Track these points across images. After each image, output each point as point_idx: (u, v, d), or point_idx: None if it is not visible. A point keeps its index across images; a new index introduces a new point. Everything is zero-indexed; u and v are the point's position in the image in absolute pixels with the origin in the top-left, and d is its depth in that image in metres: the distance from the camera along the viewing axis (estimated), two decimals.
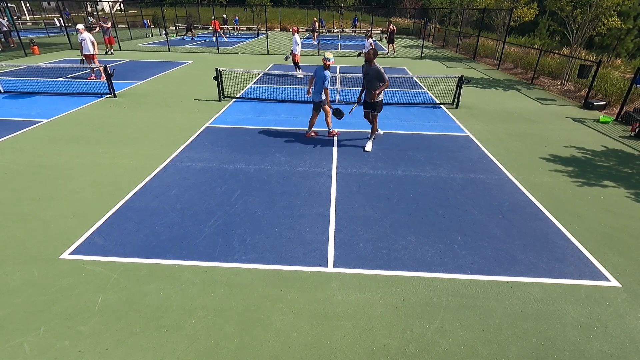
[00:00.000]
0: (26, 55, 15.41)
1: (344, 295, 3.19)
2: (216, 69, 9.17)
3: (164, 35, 23.16)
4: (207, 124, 7.50)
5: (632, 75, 9.55)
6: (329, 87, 6.27)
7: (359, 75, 7.95)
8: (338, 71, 13.34)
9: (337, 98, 9.46)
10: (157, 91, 10.22)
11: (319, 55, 18.04)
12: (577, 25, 11.46)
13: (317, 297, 3.17)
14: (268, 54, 18.09)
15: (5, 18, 19.63)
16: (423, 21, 27.92)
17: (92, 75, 11.48)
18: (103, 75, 10.17)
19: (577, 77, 10.81)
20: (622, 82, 10.25)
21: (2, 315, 2.89)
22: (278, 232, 4.01)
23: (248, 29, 33.75)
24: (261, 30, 30.92)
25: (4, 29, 18.09)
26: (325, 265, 3.55)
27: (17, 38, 16.50)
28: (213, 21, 21.45)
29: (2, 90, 9.48)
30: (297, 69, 12.24)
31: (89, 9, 33.55)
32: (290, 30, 13.11)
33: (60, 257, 3.56)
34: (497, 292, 3.27)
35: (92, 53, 10.84)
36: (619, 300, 3.22)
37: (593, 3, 10.60)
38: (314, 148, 6.40)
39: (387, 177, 5.41)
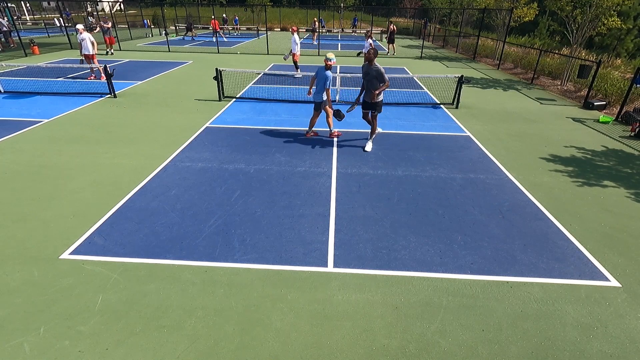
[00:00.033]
0: (26, 55, 15.41)
1: (344, 295, 3.19)
2: (216, 69, 9.17)
3: (164, 35, 23.17)
4: (207, 124, 7.50)
5: (632, 75, 9.55)
6: (330, 87, 6.28)
7: (358, 75, 7.95)
8: (338, 71, 13.34)
9: (337, 98, 9.47)
10: (157, 91, 10.22)
11: (319, 55, 18.04)
12: (577, 25, 11.46)
13: (317, 297, 3.17)
14: (268, 54, 18.10)
15: (5, 18, 19.63)
16: (423, 21, 27.92)
17: (92, 75, 11.49)
18: (103, 75, 10.18)
19: (577, 77, 10.82)
20: (622, 82, 10.25)
21: (2, 315, 2.89)
22: (278, 232, 4.01)
23: (248, 29, 33.73)
24: (261, 30, 30.92)
25: (4, 29, 18.10)
26: (325, 265, 3.55)
27: (17, 38, 16.51)
28: (212, 21, 21.45)
29: (2, 90, 9.48)
30: (296, 69, 12.24)
31: (89, 9, 33.58)
32: (290, 30, 13.10)
33: (60, 257, 3.56)
34: (497, 292, 3.27)
35: (91, 53, 10.84)
36: (619, 300, 3.22)
37: (593, 3, 10.60)
38: (314, 148, 6.40)
39: (387, 177, 5.41)
